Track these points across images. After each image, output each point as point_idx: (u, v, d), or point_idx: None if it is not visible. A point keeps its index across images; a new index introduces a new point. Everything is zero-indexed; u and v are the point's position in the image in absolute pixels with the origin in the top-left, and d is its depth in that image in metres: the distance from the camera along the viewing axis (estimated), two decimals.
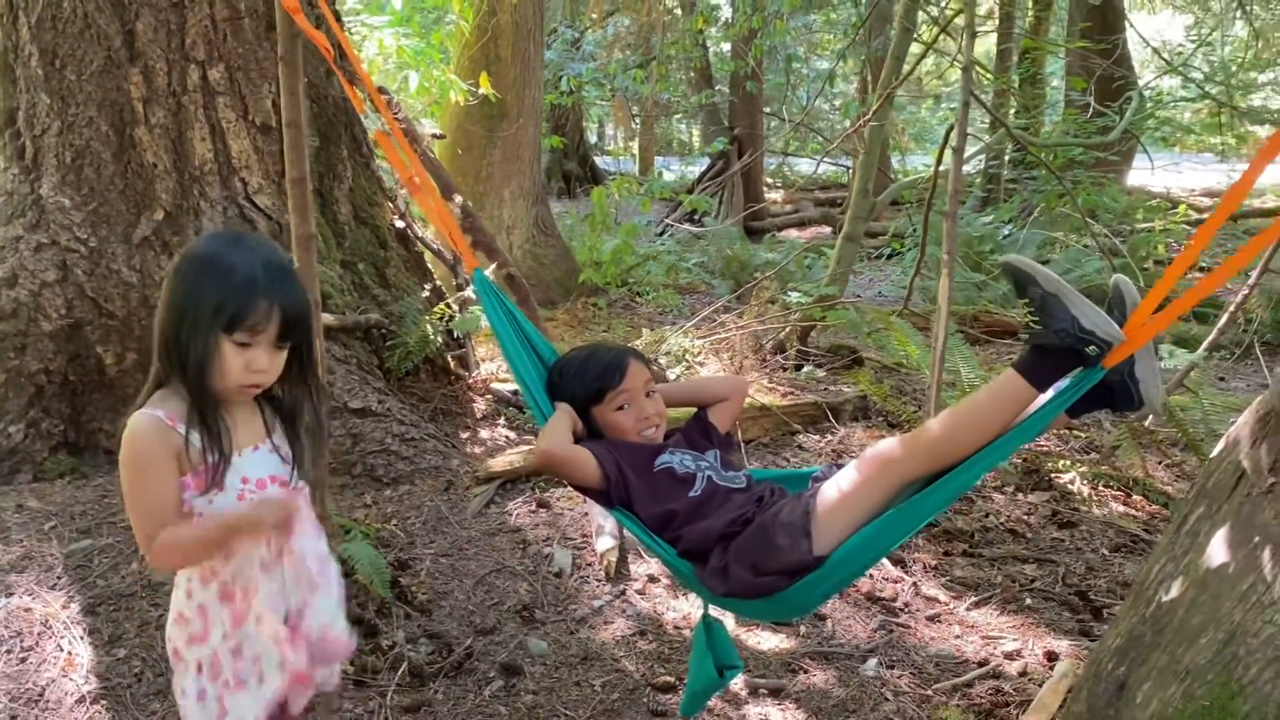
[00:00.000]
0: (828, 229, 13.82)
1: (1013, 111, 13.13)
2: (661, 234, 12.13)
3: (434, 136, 5.04)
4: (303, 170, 2.69)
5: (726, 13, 14.14)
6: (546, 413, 2.38)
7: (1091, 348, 1.95)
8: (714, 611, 2.34)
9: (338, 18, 4.66)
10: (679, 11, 12.97)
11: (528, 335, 2.54)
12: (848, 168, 15.64)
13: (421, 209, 2.52)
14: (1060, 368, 2.02)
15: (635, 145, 22.47)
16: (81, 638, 2.86)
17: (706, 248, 10.46)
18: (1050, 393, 2.05)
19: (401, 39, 7.61)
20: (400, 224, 4.66)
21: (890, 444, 2.12)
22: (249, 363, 1.64)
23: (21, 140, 3.89)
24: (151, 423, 1.65)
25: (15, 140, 3.90)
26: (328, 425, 1.93)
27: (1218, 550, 1.89)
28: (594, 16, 10.77)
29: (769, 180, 19.28)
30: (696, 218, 12.08)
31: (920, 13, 5.96)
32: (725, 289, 8.88)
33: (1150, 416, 4.37)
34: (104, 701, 2.65)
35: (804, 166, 18.28)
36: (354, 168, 4.52)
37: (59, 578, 3.11)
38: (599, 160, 21.21)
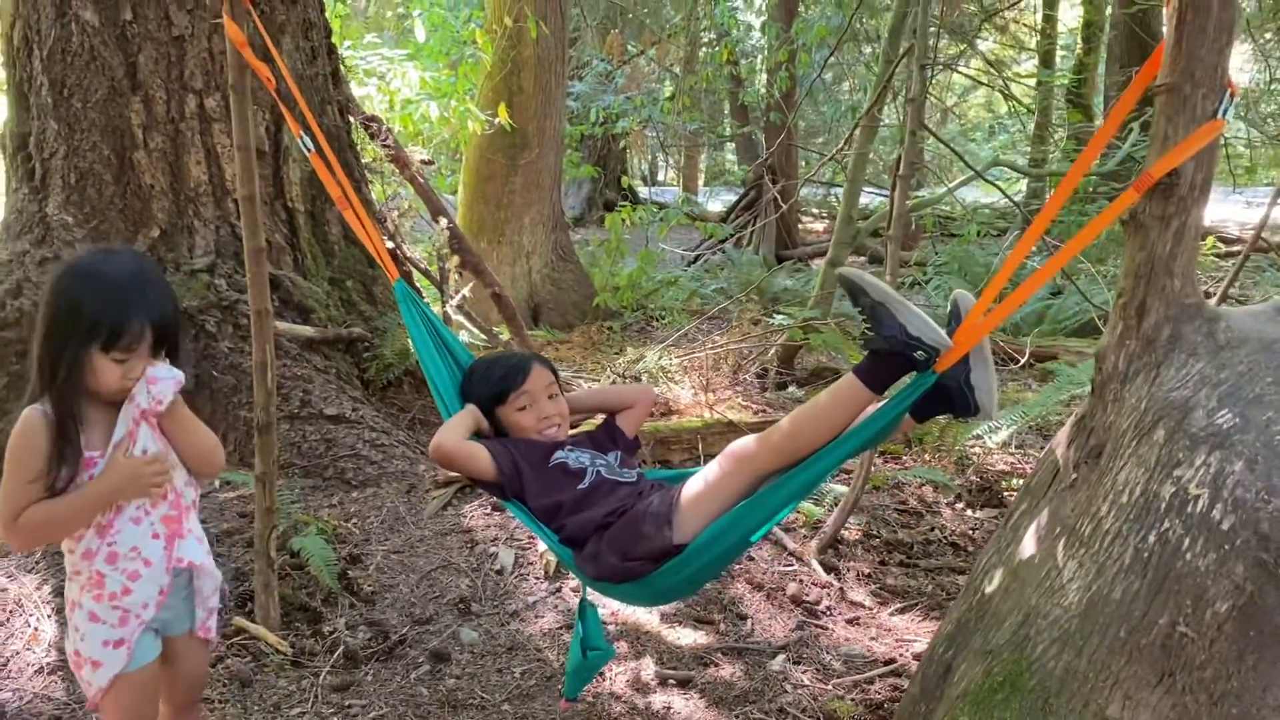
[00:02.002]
0: (862, 257, 13.93)
1: (1062, 141, 13.18)
2: (694, 261, 12.36)
3: (423, 163, 5.30)
4: (252, 189, 2.93)
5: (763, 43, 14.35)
6: (454, 413, 2.58)
7: (919, 353, 2.10)
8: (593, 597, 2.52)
9: (331, 50, 4.96)
10: (711, 45, 13.24)
11: (446, 343, 2.75)
12: (885, 196, 15.71)
13: (350, 225, 2.74)
14: (894, 372, 2.17)
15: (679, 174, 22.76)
16: (49, 616, 3.11)
17: (728, 275, 10.64)
18: (889, 396, 2.20)
19: (425, 71, 7.96)
20: (389, 244, 4.93)
21: (746, 441, 2.29)
22: (126, 373, 1.84)
23: (32, 163, 4.22)
24: (42, 417, 1.83)
25: (26, 163, 4.24)
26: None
27: (1029, 542, 2.02)
28: (614, 53, 11.05)
29: (815, 210, 19.45)
30: (730, 244, 12.29)
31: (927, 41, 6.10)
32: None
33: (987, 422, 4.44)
34: (60, 672, 2.88)
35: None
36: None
37: (37, 562, 3.38)
38: (645, 190, 21.54)
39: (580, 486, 2.45)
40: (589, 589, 2.47)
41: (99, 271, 1.87)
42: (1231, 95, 1.81)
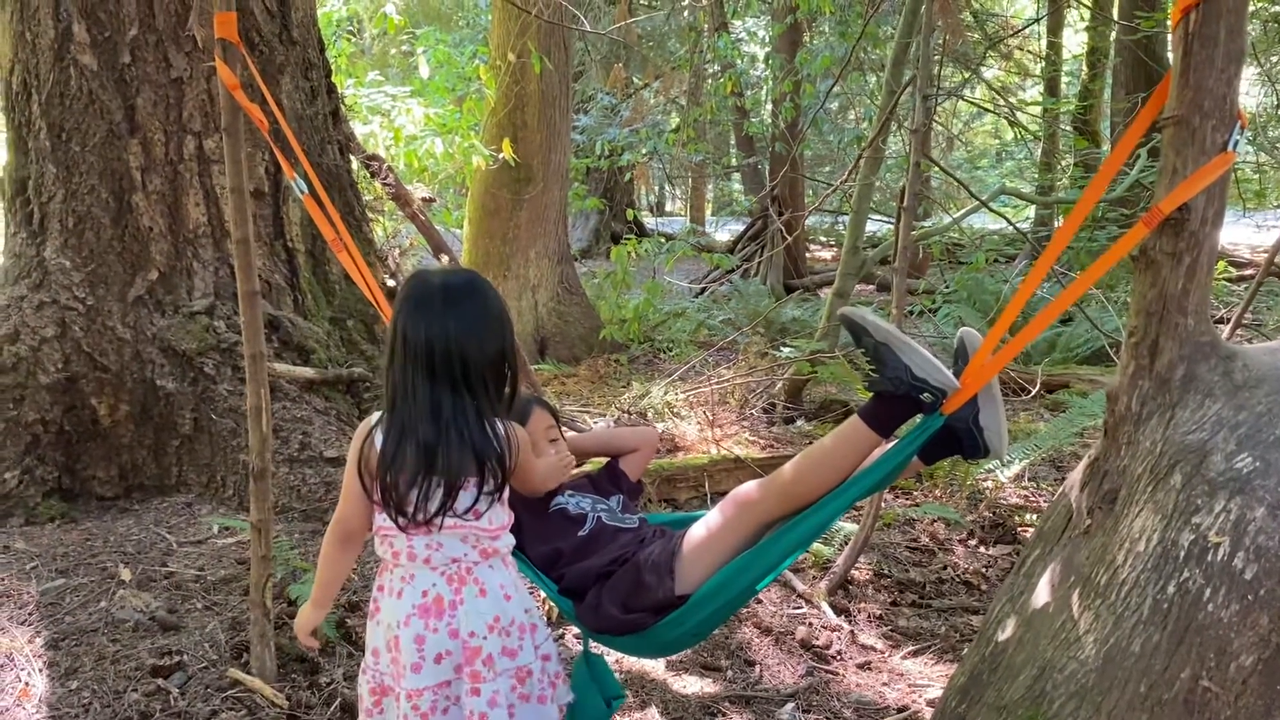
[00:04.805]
0: (870, 285, 13.87)
1: (1069, 168, 13.14)
2: (701, 293, 12.33)
3: (424, 200, 5.27)
4: (245, 232, 2.89)
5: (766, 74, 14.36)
6: None
7: (926, 395, 2.04)
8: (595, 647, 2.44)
9: (331, 90, 4.95)
10: (716, 76, 13.29)
11: None
12: (892, 224, 15.65)
13: (345, 267, 2.70)
14: (900, 415, 2.11)
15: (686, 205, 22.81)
16: (41, 670, 3.04)
17: (736, 305, 10.60)
18: (895, 439, 2.14)
19: (429, 107, 7.97)
20: (391, 283, 4.89)
21: (749, 486, 2.23)
22: None
23: (30, 207, 4.20)
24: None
25: (25, 207, 4.21)
26: None
27: (1043, 590, 1.95)
28: (617, 87, 11.09)
29: (822, 239, 19.41)
30: (737, 274, 12.27)
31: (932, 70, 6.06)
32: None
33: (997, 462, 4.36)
34: None
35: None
36: (347, 230, 4.76)
37: (30, 614, 3.31)
38: (652, 221, 21.59)
39: (580, 534, 2.39)
40: (591, 640, 2.40)
41: None
42: (1241, 126, 1.75)
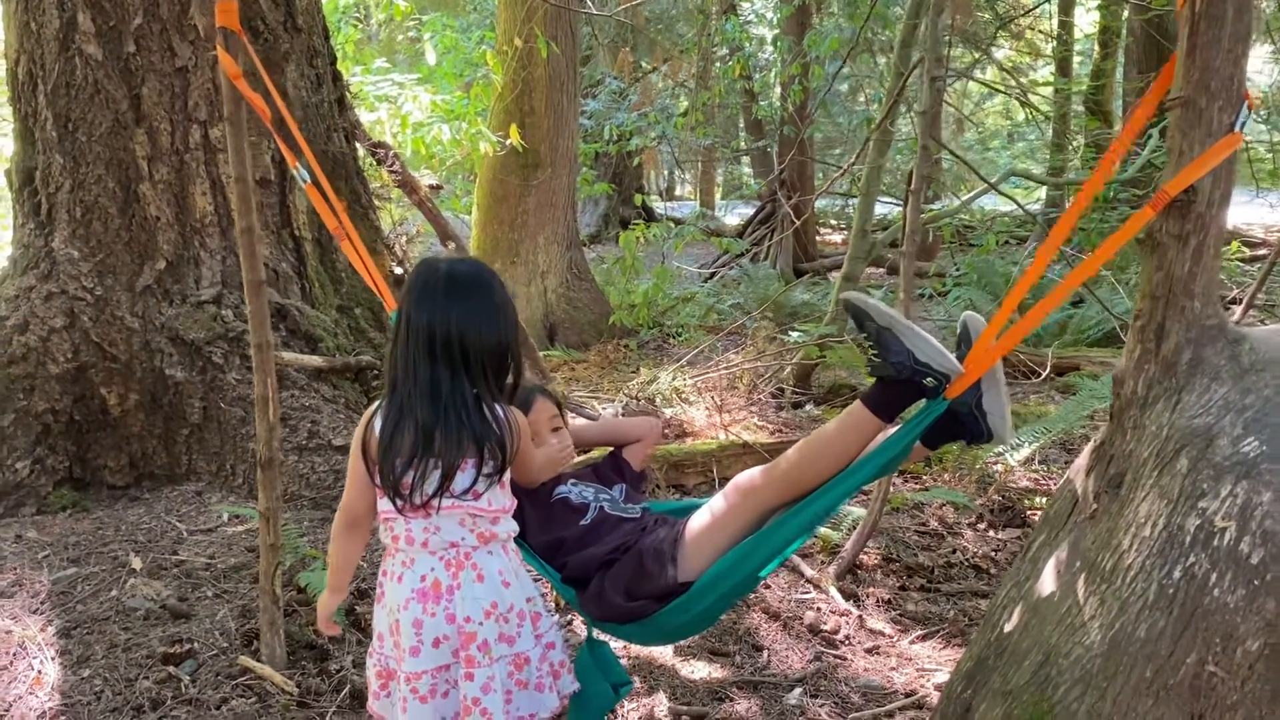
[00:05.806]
0: (880, 269, 13.83)
1: (1080, 149, 13.03)
2: (710, 277, 12.31)
3: (431, 187, 5.27)
4: (250, 221, 2.89)
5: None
6: None
7: (929, 379, 2.03)
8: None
9: (336, 77, 4.93)
10: (724, 60, 13.23)
11: None
12: (899, 205, 15.59)
13: (347, 255, 2.70)
14: (903, 399, 2.10)
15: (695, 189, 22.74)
16: (53, 658, 3.07)
17: (745, 290, 10.57)
18: (899, 424, 2.13)
19: (437, 94, 7.95)
20: (399, 270, 4.89)
21: (752, 473, 2.22)
22: None
23: (38, 197, 4.20)
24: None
25: (32, 198, 4.22)
26: None
27: (1048, 576, 1.94)
28: (625, 71, 11.06)
29: (833, 222, 19.34)
30: (746, 258, 12.24)
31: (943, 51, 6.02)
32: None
33: (1001, 447, 4.34)
34: (63, 717, 2.83)
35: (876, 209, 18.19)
36: (353, 218, 4.76)
37: (42, 603, 3.34)
38: (661, 205, 21.51)
39: (582, 523, 2.38)
40: (595, 629, 2.40)
41: None
42: (1249, 107, 1.73)
